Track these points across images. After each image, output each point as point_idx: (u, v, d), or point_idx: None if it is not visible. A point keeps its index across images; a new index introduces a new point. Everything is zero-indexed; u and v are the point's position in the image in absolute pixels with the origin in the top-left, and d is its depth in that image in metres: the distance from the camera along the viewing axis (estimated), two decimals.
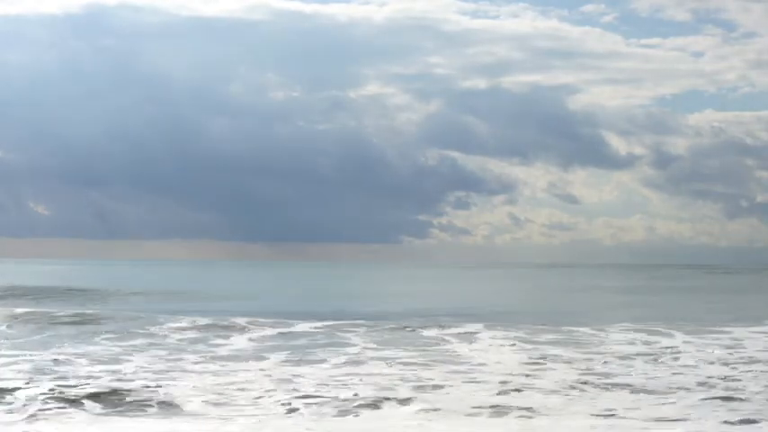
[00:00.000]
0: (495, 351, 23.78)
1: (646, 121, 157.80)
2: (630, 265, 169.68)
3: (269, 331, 28.53)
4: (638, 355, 22.97)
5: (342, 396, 16.15)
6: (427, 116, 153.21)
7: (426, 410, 15.13)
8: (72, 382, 17.29)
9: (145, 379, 18.02)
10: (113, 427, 13.79)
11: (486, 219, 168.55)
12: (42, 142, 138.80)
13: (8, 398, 15.65)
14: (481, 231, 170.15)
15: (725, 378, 18.92)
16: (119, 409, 15.16)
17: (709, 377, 19.04)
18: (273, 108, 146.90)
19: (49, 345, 24.44)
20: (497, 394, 16.65)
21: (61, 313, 34.03)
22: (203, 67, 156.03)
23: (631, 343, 25.87)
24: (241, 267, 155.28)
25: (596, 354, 23.10)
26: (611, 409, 15.19)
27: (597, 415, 14.84)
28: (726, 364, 21.16)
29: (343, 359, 21.86)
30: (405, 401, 15.83)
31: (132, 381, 17.72)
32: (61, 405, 15.17)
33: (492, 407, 15.37)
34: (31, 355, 21.99)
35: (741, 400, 16.27)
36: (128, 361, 21.15)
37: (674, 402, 16.03)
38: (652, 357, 22.53)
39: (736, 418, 14.54)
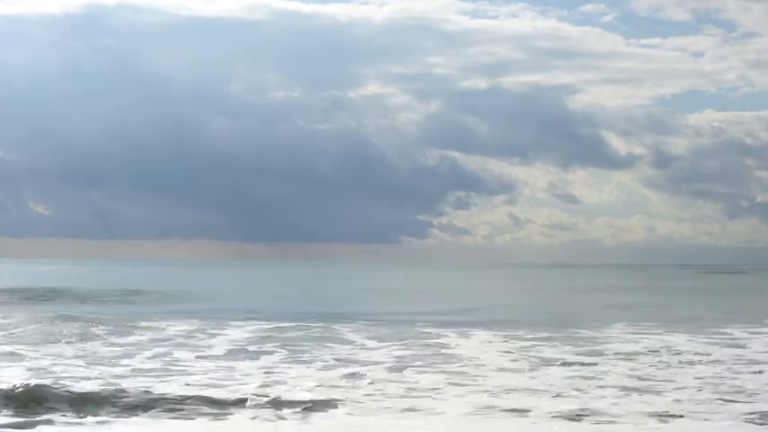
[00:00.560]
0: (491, 351, 23.68)
1: (646, 121, 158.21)
2: (630, 265, 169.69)
3: (263, 329, 28.50)
4: (636, 355, 22.92)
5: (327, 397, 16.08)
6: (427, 116, 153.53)
7: (416, 411, 15.08)
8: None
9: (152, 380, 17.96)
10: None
11: (486, 219, 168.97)
12: (42, 142, 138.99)
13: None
14: (481, 231, 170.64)
15: (724, 378, 18.89)
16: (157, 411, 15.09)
17: (709, 377, 19.01)
18: (273, 108, 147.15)
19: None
20: (490, 395, 16.60)
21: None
22: (203, 67, 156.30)
23: (630, 343, 25.79)
24: (241, 267, 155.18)
25: (595, 354, 23.02)
26: (603, 409, 15.14)
27: (590, 416, 14.81)
28: (724, 364, 21.10)
29: (332, 359, 21.86)
30: (397, 401, 15.81)
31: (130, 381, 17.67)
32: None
33: (485, 407, 15.34)
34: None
35: (745, 402, 16.20)
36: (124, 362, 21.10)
37: (672, 402, 15.97)
38: (650, 357, 22.47)
39: (743, 418, 14.53)
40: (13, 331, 28.11)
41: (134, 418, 14.50)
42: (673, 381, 18.49)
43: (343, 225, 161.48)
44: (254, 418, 14.53)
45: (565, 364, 21.07)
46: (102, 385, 16.77)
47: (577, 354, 23.00)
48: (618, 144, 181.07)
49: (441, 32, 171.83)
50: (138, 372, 19.28)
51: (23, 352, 22.44)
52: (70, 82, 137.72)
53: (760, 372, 19.91)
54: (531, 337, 27.31)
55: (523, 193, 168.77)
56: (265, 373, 19.25)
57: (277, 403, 15.41)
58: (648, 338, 27.08)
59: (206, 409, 15.05)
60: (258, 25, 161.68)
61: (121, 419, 14.44)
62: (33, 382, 16.18)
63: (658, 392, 17.00)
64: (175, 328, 29.41)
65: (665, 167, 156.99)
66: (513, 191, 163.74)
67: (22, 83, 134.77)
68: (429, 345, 25.04)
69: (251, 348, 24.02)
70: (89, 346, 24.18)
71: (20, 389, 15.46)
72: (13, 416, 14.41)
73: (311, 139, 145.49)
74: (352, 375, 18.78)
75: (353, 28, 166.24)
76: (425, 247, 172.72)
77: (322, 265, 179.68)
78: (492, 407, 15.32)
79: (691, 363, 21.42)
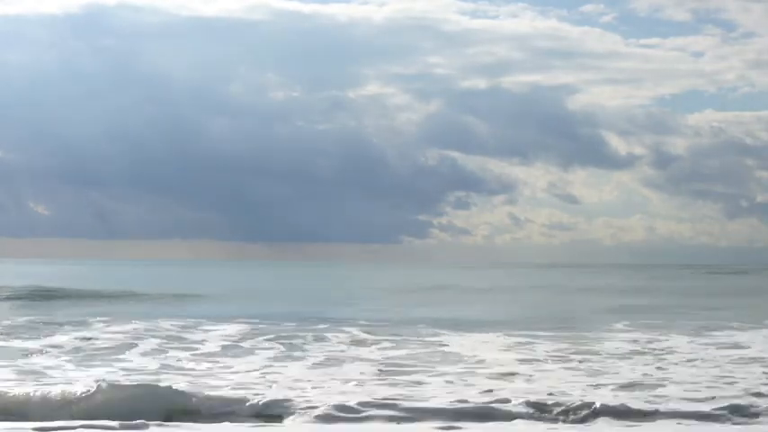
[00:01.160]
0: (489, 351, 23.60)
1: (645, 121, 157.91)
2: (630, 265, 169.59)
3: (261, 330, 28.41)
4: (635, 355, 22.86)
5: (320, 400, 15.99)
6: (427, 116, 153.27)
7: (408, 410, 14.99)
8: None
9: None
10: None
11: (486, 219, 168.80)
12: (42, 142, 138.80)
13: None
14: (481, 231, 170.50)
15: (723, 378, 18.83)
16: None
17: (708, 377, 18.95)
18: (273, 108, 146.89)
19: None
20: (479, 395, 16.54)
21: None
22: (203, 66, 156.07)
23: (629, 343, 25.73)
24: (241, 268, 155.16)
25: (593, 355, 22.95)
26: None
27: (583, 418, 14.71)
28: (724, 364, 21.03)
29: (322, 359, 21.77)
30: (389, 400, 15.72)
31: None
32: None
33: (474, 407, 15.23)
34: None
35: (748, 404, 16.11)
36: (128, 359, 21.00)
37: (668, 403, 15.89)
38: (649, 358, 22.40)
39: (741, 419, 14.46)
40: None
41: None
42: (667, 380, 18.46)
43: (342, 225, 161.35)
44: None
45: (561, 360, 21.09)
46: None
47: (574, 353, 22.93)
48: (618, 144, 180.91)
49: (441, 32, 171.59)
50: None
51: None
52: (70, 82, 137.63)
53: (762, 372, 19.86)
54: (528, 337, 27.27)
55: (523, 193, 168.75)
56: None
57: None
58: (647, 339, 27.03)
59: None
60: (258, 25, 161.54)
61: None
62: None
63: (654, 392, 16.94)
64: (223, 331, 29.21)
65: (665, 167, 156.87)
66: (513, 191, 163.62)
67: (21, 83, 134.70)
68: (422, 345, 24.99)
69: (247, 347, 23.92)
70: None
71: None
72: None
73: (311, 139, 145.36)
74: (340, 376, 18.72)
75: (353, 28, 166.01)
76: (425, 247, 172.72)
77: (322, 265, 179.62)
78: (479, 406, 15.27)
79: (688, 363, 21.38)
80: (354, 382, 17.86)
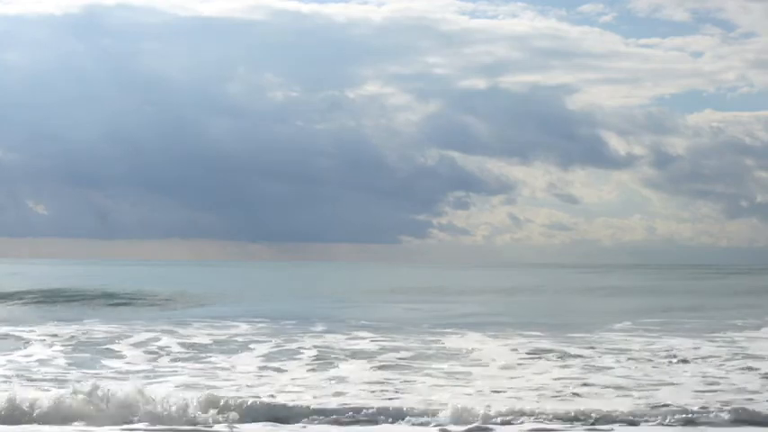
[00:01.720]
0: (486, 351, 23.54)
1: (645, 120, 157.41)
2: (630, 265, 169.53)
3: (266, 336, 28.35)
4: (633, 354, 22.81)
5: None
6: (426, 116, 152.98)
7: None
8: None
9: None
10: None
11: (486, 219, 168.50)
12: (41, 142, 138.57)
13: None
14: (481, 231, 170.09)
15: (721, 378, 18.78)
16: None
17: (707, 377, 18.90)
18: (272, 108, 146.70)
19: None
20: (469, 395, 16.50)
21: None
22: (202, 66, 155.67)
23: (628, 343, 25.67)
24: (242, 268, 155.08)
25: (592, 354, 22.90)
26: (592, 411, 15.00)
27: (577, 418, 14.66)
28: (723, 364, 20.97)
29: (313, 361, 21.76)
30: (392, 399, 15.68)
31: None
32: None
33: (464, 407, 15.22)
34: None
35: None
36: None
37: (664, 403, 15.84)
38: (647, 357, 22.35)
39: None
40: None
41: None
42: (664, 380, 18.41)
43: (342, 225, 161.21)
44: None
45: (560, 358, 21.04)
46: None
47: (572, 355, 22.88)
48: (617, 144, 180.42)
49: (440, 32, 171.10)
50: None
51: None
52: (69, 81, 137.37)
53: (763, 374, 19.80)
54: (526, 337, 27.22)
55: (523, 193, 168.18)
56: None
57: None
58: (646, 339, 26.98)
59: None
60: (257, 25, 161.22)
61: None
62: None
63: (651, 393, 16.89)
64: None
65: (664, 167, 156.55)
66: (512, 191, 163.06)
67: (20, 82, 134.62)
68: (419, 346, 24.95)
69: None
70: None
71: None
72: None
73: (310, 139, 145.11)
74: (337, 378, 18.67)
75: (352, 28, 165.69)
76: (425, 247, 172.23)
77: (322, 266, 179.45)
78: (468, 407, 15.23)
79: (686, 363, 21.32)
80: (360, 383, 17.86)
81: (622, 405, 15.55)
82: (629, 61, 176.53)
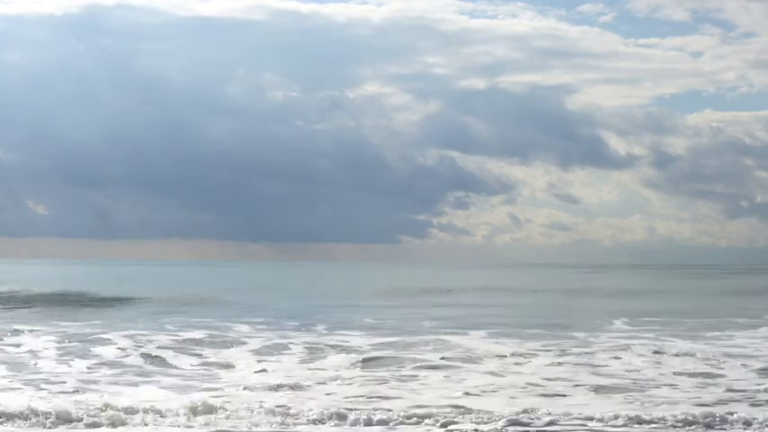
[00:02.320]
0: (482, 350, 23.45)
1: (645, 120, 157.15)
2: (630, 265, 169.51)
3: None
4: (632, 354, 22.73)
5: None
6: (426, 116, 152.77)
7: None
8: None
9: None
10: None
11: (486, 219, 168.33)
12: (41, 141, 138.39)
13: None
14: (481, 231, 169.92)
15: (721, 378, 18.70)
16: None
17: (707, 377, 18.82)
18: (271, 108, 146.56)
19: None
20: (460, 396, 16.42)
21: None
22: (201, 66, 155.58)
23: (628, 344, 25.58)
24: (242, 268, 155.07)
25: (590, 354, 22.82)
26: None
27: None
28: (722, 365, 20.89)
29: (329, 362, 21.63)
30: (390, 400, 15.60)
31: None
32: None
33: (454, 407, 15.25)
34: None
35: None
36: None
37: (659, 403, 15.77)
38: (645, 358, 22.27)
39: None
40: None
41: None
42: (660, 380, 18.33)
43: (341, 225, 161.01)
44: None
45: (557, 357, 20.99)
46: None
47: (569, 354, 22.80)
48: (617, 144, 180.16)
49: (439, 32, 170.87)
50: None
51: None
52: (69, 82, 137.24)
53: (761, 373, 19.73)
54: (525, 337, 27.14)
55: (523, 193, 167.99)
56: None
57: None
58: (645, 339, 26.91)
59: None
60: (256, 25, 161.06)
61: None
62: None
63: (651, 393, 16.81)
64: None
65: (664, 167, 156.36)
66: (512, 191, 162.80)
67: (21, 82, 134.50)
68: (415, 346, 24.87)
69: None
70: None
71: None
72: None
73: (310, 139, 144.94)
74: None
75: (352, 28, 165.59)
76: (425, 247, 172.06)
77: (323, 265, 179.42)
78: (458, 407, 15.13)
79: (685, 362, 21.25)
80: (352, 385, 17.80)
81: (619, 405, 15.49)
82: (628, 61, 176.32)
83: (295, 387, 17.42)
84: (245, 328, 30.02)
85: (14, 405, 14.64)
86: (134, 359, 21.85)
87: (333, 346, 24.42)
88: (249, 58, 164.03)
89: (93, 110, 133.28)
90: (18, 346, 24.20)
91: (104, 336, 26.75)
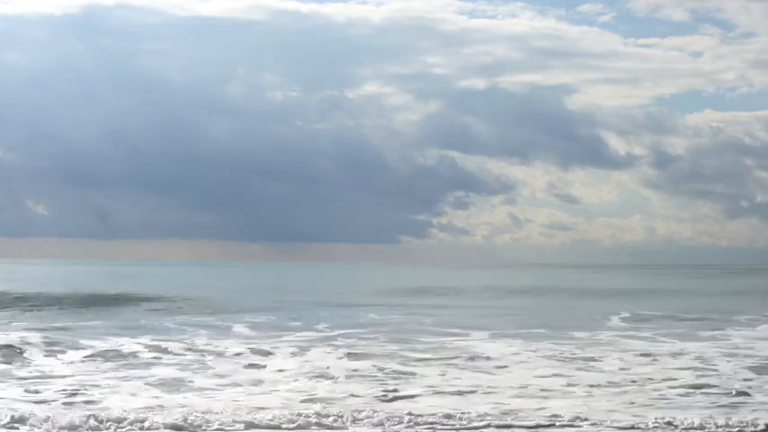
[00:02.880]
0: (478, 350, 23.50)
1: (644, 120, 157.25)
2: (630, 265, 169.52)
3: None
4: (631, 354, 22.77)
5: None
6: (426, 116, 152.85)
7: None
8: None
9: None
10: None
11: (486, 219, 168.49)
12: (41, 141, 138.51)
13: None
14: (481, 231, 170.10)
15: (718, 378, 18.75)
16: None
17: (706, 377, 18.88)
18: (271, 108, 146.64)
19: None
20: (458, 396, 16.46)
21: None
22: (201, 67, 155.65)
23: (627, 343, 25.62)
24: (242, 268, 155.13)
25: (589, 354, 22.86)
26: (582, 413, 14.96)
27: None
28: (721, 365, 20.94)
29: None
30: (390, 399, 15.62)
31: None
32: None
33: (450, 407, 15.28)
34: None
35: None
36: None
37: (653, 404, 15.82)
38: (644, 358, 22.32)
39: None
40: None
41: None
42: (663, 381, 18.39)
43: (341, 225, 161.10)
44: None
45: (555, 356, 21.03)
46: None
47: (567, 354, 22.84)
48: (617, 144, 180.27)
49: (439, 32, 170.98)
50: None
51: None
52: (69, 82, 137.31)
53: (759, 373, 19.77)
54: (524, 337, 27.20)
55: (523, 193, 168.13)
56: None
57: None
58: (646, 339, 26.95)
59: None
60: (256, 25, 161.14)
61: None
62: None
63: (649, 392, 16.85)
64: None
65: (664, 167, 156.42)
66: (512, 191, 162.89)
67: (21, 82, 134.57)
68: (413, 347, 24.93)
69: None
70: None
71: None
72: None
73: (310, 139, 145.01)
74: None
75: (351, 28, 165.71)
76: (425, 247, 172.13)
77: (322, 265, 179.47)
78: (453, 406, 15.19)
79: (683, 362, 21.29)
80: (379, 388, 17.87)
81: (616, 405, 15.53)
82: (628, 61, 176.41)
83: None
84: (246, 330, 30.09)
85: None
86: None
87: (328, 345, 24.47)
88: (249, 58, 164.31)
89: (93, 110, 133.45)
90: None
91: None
